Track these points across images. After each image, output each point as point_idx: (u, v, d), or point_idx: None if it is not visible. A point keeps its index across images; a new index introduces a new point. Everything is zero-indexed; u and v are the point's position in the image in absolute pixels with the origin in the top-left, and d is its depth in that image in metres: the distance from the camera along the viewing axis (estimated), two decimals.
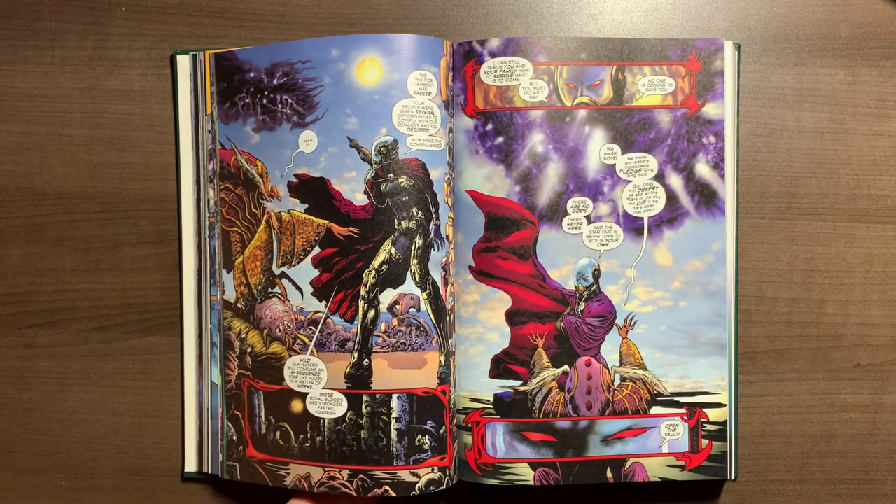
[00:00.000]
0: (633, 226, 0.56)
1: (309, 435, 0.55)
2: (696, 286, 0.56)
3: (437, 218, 0.55)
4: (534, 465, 0.56)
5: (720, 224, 0.56)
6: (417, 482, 0.54)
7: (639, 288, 0.56)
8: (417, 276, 0.55)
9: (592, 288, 0.56)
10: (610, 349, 0.56)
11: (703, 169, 0.56)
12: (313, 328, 0.55)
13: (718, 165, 0.56)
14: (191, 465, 0.59)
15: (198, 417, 0.59)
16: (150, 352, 0.60)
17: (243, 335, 0.57)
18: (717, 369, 0.56)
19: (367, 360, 0.55)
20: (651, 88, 0.56)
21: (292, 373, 0.56)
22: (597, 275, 0.56)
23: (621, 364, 0.56)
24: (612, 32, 0.59)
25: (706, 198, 0.56)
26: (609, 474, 0.57)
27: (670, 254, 0.56)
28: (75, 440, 0.60)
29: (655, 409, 0.57)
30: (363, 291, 0.55)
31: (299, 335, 0.56)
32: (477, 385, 0.57)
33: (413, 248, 0.54)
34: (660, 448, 0.57)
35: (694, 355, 0.56)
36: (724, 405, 0.56)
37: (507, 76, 0.55)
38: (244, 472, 0.57)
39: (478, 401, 0.57)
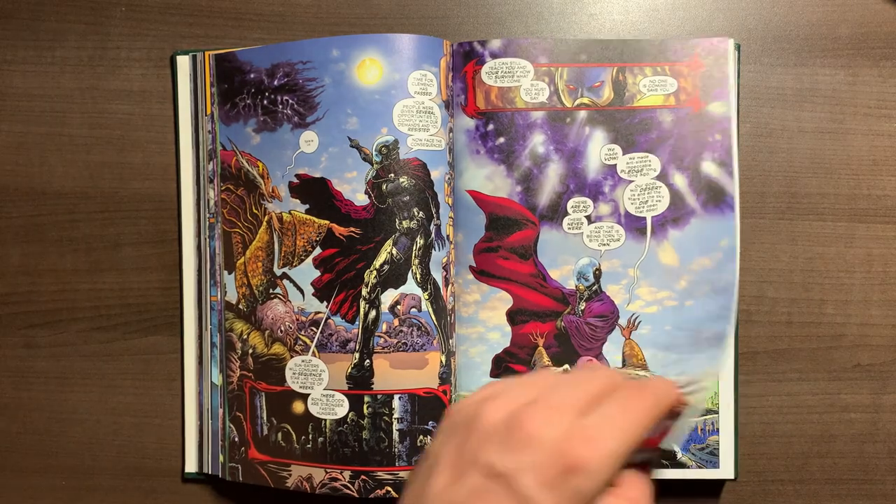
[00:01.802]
0: (635, 226, 0.56)
1: (311, 436, 0.55)
2: (704, 284, 0.56)
3: (438, 218, 0.55)
4: None
5: (728, 220, 0.56)
6: None
7: (642, 288, 0.56)
8: (418, 276, 0.55)
9: (593, 287, 0.56)
10: (612, 350, 0.56)
11: (708, 167, 0.56)
12: (314, 329, 0.55)
13: (725, 162, 0.56)
14: (191, 466, 0.59)
15: (198, 418, 0.59)
16: (150, 352, 0.60)
17: (245, 336, 0.57)
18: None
19: (368, 360, 0.54)
20: (652, 89, 0.56)
21: (294, 374, 0.56)
22: (598, 274, 0.56)
23: (623, 365, 0.56)
24: (613, 32, 0.59)
25: (713, 195, 0.56)
26: None
27: (676, 253, 0.56)
28: (75, 440, 0.60)
29: None
30: (364, 292, 0.55)
31: (301, 336, 0.56)
32: (477, 384, 0.57)
33: (414, 248, 0.54)
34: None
35: (697, 354, 0.56)
36: None
37: (509, 77, 0.55)
38: (246, 473, 0.57)
39: None
